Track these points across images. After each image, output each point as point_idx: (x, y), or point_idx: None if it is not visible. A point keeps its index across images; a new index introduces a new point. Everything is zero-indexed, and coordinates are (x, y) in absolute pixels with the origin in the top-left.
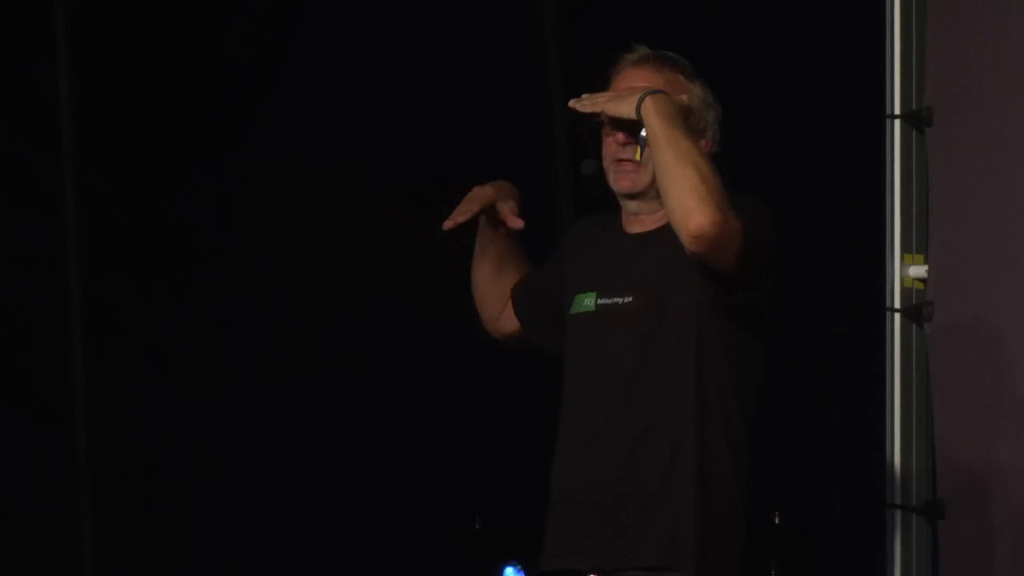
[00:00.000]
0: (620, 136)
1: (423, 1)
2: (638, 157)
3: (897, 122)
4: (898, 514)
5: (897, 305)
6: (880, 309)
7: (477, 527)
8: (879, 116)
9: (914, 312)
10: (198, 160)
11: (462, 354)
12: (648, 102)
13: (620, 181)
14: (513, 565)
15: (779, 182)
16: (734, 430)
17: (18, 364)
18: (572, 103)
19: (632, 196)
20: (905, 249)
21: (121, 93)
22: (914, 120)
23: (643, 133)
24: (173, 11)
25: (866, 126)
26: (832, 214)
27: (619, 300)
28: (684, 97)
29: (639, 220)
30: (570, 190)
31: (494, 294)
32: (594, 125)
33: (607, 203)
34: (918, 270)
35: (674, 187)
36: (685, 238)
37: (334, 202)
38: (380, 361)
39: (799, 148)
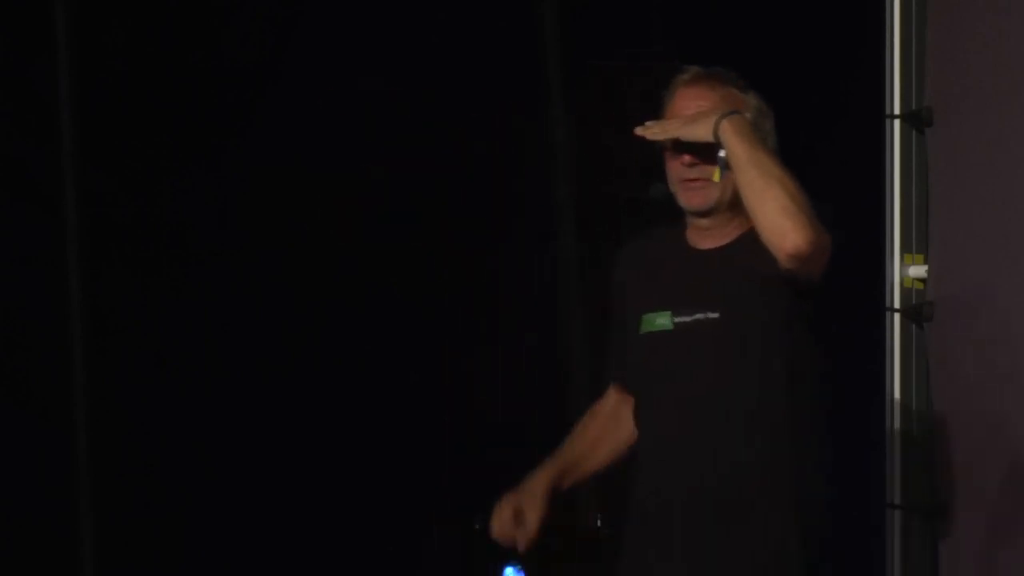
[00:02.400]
0: (687, 158)
1: (423, 1)
2: (716, 178)
3: (897, 122)
4: (898, 514)
5: (897, 305)
6: (880, 309)
7: (477, 527)
8: (879, 116)
9: (914, 312)
10: (198, 160)
11: (462, 354)
12: (726, 125)
13: (692, 199)
14: (513, 565)
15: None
16: (819, 435)
17: (18, 364)
18: (639, 131)
19: (704, 213)
20: (905, 249)
21: (121, 93)
22: (914, 120)
23: (721, 154)
24: (173, 11)
25: (866, 126)
26: (832, 214)
27: (700, 316)
28: (747, 114)
29: (711, 235)
30: (569, 190)
31: (613, 456)
32: (655, 149)
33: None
34: (918, 270)
35: (765, 208)
36: (782, 257)
37: (334, 202)
38: (380, 361)
39: (799, 148)
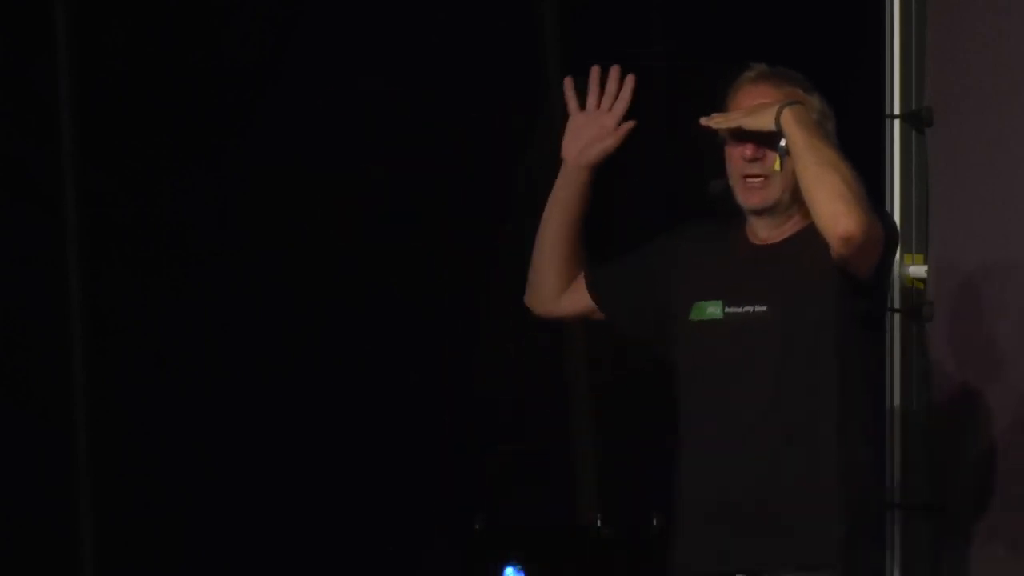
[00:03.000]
0: (748, 152)
1: (423, 1)
2: (777, 167)
3: (897, 122)
4: (898, 514)
5: (897, 305)
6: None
7: (477, 527)
8: (879, 116)
9: (914, 312)
10: (198, 160)
11: (462, 354)
12: (787, 113)
13: (750, 198)
14: (513, 565)
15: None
16: (869, 430)
17: (18, 364)
18: (703, 121)
19: (760, 212)
20: (905, 249)
21: (121, 93)
22: (914, 120)
23: (782, 143)
24: (173, 11)
25: (866, 126)
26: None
27: (750, 309)
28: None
29: (767, 233)
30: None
31: (566, 268)
32: (716, 143)
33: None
34: (918, 270)
35: (821, 192)
36: (834, 242)
37: (334, 202)
38: (380, 361)
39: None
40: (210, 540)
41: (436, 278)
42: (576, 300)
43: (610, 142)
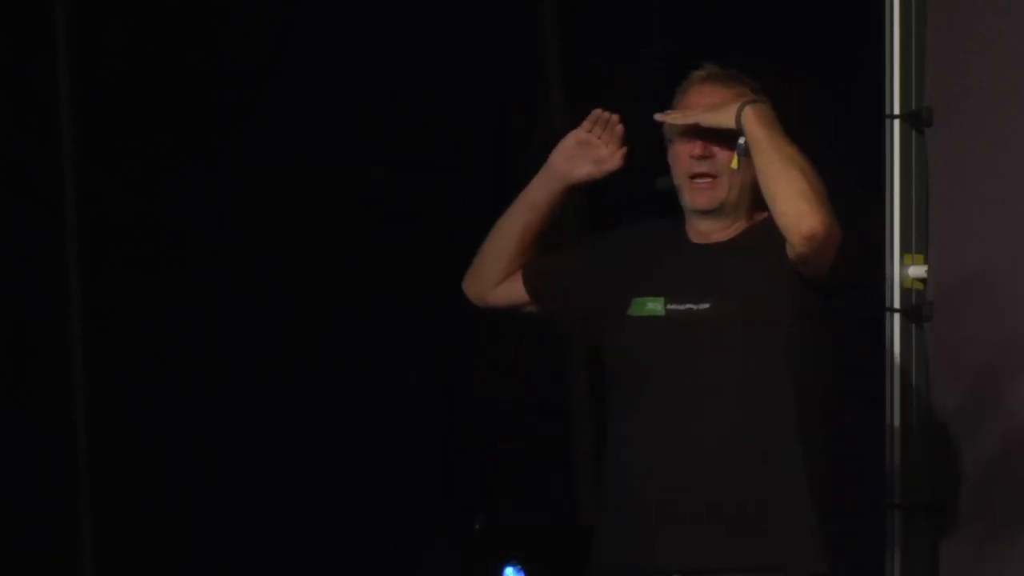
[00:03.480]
0: (697, 150)
1: (423, 1)
2: (735, 166)
3: (897, 122)
4: (898, 514)
5: (897, 305)
6: (880, 309)
7: (477, 527)
8: (879, 116)
9: (914, 312)
10: (198, 160)
11: (462, 354)
12: (749, 111)
13: (697, 199)
14: (513, 565)
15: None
16: (818, 431)
17: (18, 364)
18: (658, 117)
19: (705, 213)
20: (905, 249)
21: (121, 93)
22: (914, 120)
23: (740, 141)
24: (173, 11)
25: (866, 126)
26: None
27: (693, 307)
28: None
29: (708, 235)
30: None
31: (516, 263)
32: (664, 143)
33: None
34: (918, 270)
35: (783, 191)
36: (796, 240)
37: (334, 202)
38: (380, 361)
39: (798, 148)
40: (210, 540)
41: (436, 278)
42: (512, 290)
43: (597, 170)
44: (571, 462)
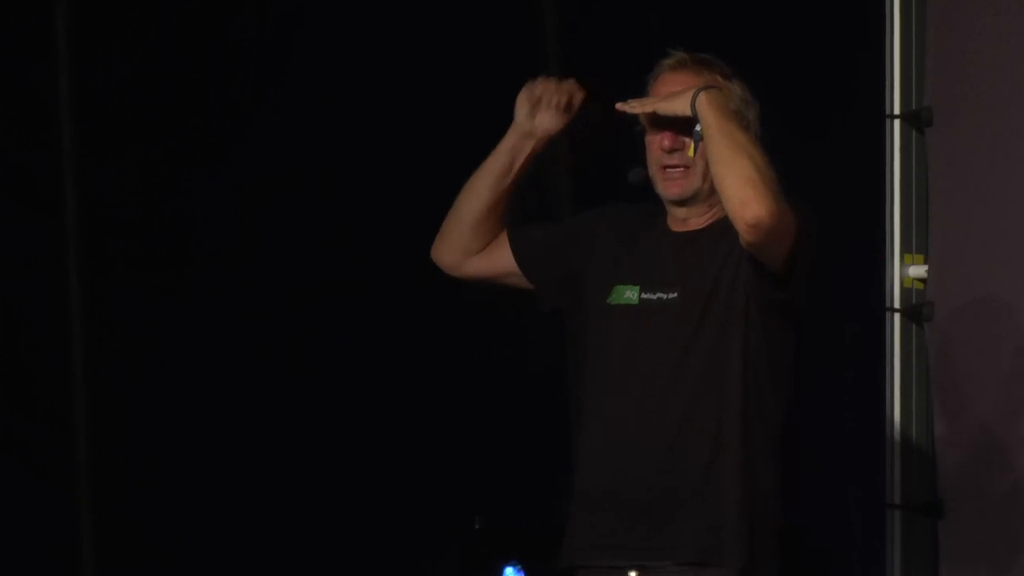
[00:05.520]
0: (667, 141)
1: (424, 1)
2: (691, 153)
3: (897, 122)
4: (898, 514)
5: (897, 305)
6: (880, 309)
7: (477, 527)
8: (879, 116)
9: (914, 312)
10: (198, 160)
11: (462, 354)
12: (702, 97)
13: (669, 188)
14: (513, 565)
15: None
16: (772, 427)
17: (18, 364)
18: (619, 106)
19: (681, 202)
20: (905, 249)
21: (121, 93)
22: (914, 120)
23: (697, 128)
24: (173, 11)
25: (866, 126)
26: (832, 214)
27: (663, 295)
28: (730, 102)
29: (687, 222)
30: (568, 188)
31: (485, 227)
32: (637, 133)
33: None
34: (918, 270)
35: (730, 177)
36: (741, 227)
37: (335, 202)
38: (380, 361)
39: (798, 148)
40: (210, 540)
41: (436, 278)
42: (493, 259)
43: (559, 118)
44: (571, 462)
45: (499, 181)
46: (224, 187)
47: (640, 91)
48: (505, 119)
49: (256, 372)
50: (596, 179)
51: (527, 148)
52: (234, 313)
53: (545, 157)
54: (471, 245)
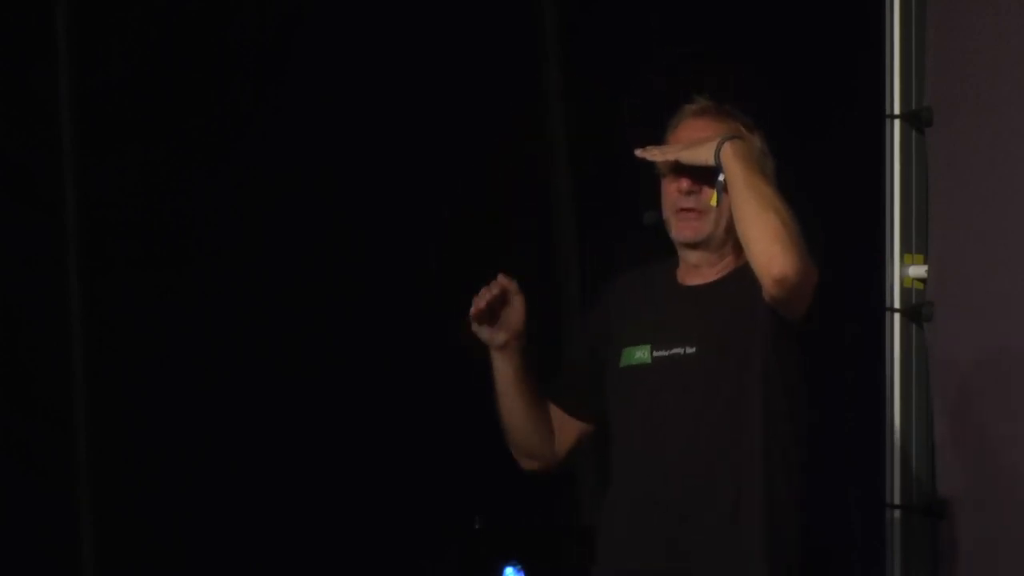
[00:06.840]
0: (684, 184)
1: (424, 1)
2: (714, 203)
3: (897, 122)
4: (898, 514)
5: (897, 305)
6: (880, 309)
7: (477, 527)
8: (879, 116)
9: (914, 312)
10: (198, 160)
11: (462, 354)
12: (727, 148)
13: (683, 230)
14: (513, 565)
15: (778, 182)
16: (794, 471)
17: (18, 364)
18: (639, 153)
19: (694, 246)
20: (905, 249)
21: (121, 93)
22: (914, 120)
23: (720, 178)
24: (173, 11)
25: (866, 126)
26: (832, 214)
27: (679, 351)
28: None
29: (699, 272)
30: (568, 189)
31: (538, 425)
32: (653, 175)
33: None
34: (918, 270)
35: (757, 231)
36: (767, 282)
37: (335, 202)
38: (380, 361)
39: (798, 148)
40: (210, 540)
41: (436, 278)
42: (568, 434)
43: (508, 330)
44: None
45: (515, 392)
46: (224, 187)
47: (640, 91)
48: (505, 119)
49: (256, 372)
50: (596, 179)
51: (511, 355)
52: (234, 313)
53: (545, 157)
54: (544, 447)
